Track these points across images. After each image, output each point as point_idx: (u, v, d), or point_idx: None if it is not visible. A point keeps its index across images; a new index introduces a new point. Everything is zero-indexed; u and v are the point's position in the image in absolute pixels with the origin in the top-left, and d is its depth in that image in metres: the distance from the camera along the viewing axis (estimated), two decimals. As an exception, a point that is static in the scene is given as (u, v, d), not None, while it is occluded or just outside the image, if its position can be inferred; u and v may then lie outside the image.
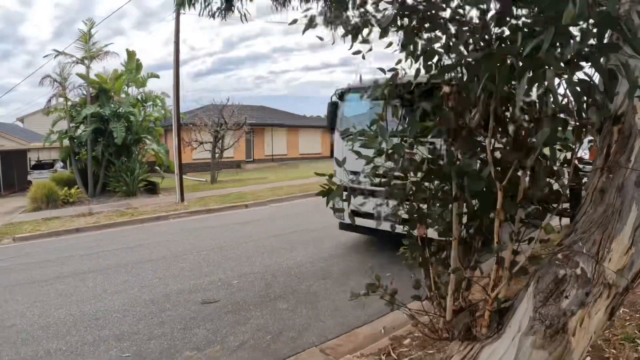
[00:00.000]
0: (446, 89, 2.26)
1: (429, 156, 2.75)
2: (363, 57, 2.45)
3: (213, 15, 6.68)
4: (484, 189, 2.27)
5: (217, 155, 20.23)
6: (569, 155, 2.19)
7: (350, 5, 2.42)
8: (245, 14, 6.73)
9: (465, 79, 2.13)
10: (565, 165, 2.19)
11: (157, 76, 17.22)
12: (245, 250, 8.23)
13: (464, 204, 2.57)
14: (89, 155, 15.41)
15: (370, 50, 2.37)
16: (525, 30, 1.71)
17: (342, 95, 7.86)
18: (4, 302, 5.92)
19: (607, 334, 3.68)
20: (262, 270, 6.93)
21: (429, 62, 2.23)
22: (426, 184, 2.91)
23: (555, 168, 2.15)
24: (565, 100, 1.90)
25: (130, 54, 16.41)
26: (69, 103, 16.08)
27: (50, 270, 7.35)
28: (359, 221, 6.86)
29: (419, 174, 2.82)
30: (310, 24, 2.27)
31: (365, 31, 2.18)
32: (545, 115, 1.93)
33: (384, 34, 2.09)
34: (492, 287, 2.38)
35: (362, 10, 2.15)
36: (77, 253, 8.46)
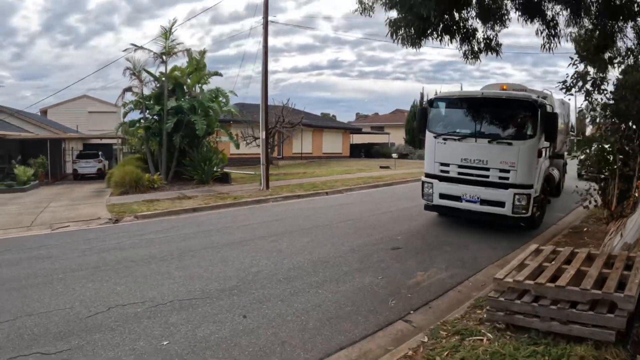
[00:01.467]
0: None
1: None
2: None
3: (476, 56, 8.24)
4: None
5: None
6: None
7: None
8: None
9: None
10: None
11: (220, 74, 18.25)
12: (372, 221, 9.64)
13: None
14: (164, 145, 16.28)
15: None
16: None
17: (431, 102, 9.37)
18: (221, 260, 7.01)
19: None
20: (405, 231, 8.58)
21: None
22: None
23: None
24: None
25: (201, 53, 17.43)
26: (136, 96, 16.96)
27: (218, 238, 8.36)
28: (447, 202, 8.78)
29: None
30: None
31: None
32: None
33: None
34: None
35: None
36: (225, 226, 9.45)
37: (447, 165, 8.73)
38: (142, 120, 16.91)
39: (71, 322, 4.34)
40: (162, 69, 17.00)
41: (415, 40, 7.65)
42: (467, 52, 8.38)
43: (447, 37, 7.95)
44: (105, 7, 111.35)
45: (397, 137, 41.79)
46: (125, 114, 17.35)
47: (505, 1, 8.00)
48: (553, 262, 4.43)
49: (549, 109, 8.52)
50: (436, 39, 7.82)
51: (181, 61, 18.20)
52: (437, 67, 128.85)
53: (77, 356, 3.69)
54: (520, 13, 7.88)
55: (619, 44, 8.58)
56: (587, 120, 12.27)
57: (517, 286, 3.97)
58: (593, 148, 8.25)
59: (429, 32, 7.59)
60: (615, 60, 8.58)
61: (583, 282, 3.80)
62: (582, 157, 9.40)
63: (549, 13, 8.00)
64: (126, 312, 4.59)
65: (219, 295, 5.10)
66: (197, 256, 6.85)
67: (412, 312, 4.68)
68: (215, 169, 16.38)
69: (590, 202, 7.98)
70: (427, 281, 5.61)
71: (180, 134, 15.93)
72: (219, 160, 16.83)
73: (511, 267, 4.38)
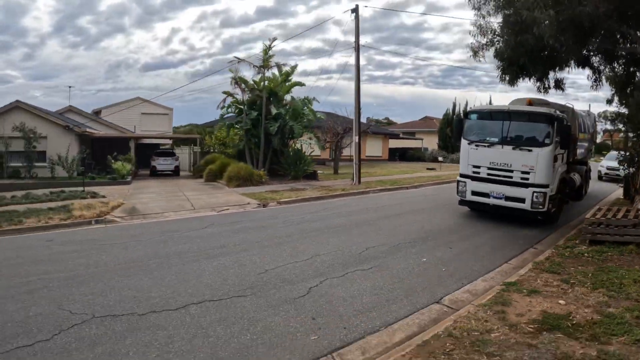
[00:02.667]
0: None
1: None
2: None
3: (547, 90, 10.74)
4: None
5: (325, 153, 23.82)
6: None
7: None
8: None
9: None
10: None
11: (303, 84, 20.89)
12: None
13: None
14: (262, 145, 18.95)
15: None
16: None
17: (466, 114, 11.36)
18: (394, 226, 9.58)
19: None
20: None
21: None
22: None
23: None
24: None
25: (293, 67, 20.15)
26: (233, 102, 19.62)
27: (368, 216, 10.96)
28: (477, 198, 10.45)
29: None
30: None
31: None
32: None
33: None
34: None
35: None
36: (360, 209, 12.02)
37: (478, 167, 10.34)
38: (238, 124, 19.57)
39: (347, 257, 6.92)
40: (254, 77, 19.73)
41: (512, 81, 10.33)
42: (539, 87, 10.87)
43: (527, 78, 10.53)
44: (116, 8, 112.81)
45: (427, 142, 44.29)
46: (221, 116, 20.05)
47: (570, 61, 10.43)
48: (610, 211, 7.98)
49: (564, 121, 9.85)
50: (522, 79, 10.52)
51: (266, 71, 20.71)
52: (446, 73, 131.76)
53: (384, 267, 6.31)
54: (577, 64, 10.32)
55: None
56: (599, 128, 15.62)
57: (596, 220, 7.52)
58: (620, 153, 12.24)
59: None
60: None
61: (627, 217, 7.41)
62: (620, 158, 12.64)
63: (595, 64, 10.50)
64: (377, 250, 7.34)
65: (413, 243, 7.84)
66: (372, 225, 9.45)
67: (536, 245, 7.81)
68: (306, 167, 18.98)
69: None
70: (530, 233, 8.81)
71: (279, 136, 18.57)
72: (310, 159, 19.44)
73: (592, 213, 7.92)
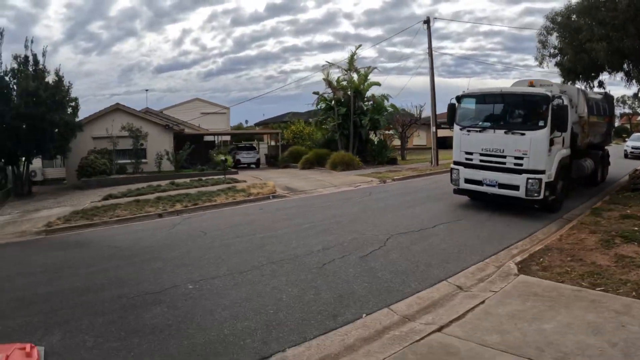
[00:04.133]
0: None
1: None
2: None
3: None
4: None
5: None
6: None
7: None
8: None
9: None
10: None
11: (379, 84, 24.41)
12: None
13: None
14: (351, 136, 22.65)
15: None
16: None
17: (458, 99, 10.59)
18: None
19: None
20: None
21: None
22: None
23: None
24: None
25: (371, 68, 23.76)
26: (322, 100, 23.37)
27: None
28: (470, 186, 10.20)
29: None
30: None
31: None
32: None
33: None
34: None
35: None
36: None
37: (471, 154, 9.92)
38: (328, 119, 23.39)
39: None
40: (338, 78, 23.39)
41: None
42: (586, 87, 14.20)
43: (577, 80, 13.92)
44: (126, 12, 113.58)
45: (463, 130, 47.25)
46: (314, 113, 23.87)
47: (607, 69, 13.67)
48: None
49: (560, 102, 9.04)
50: (575, 82, 13.84)
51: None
52: (459, 62, 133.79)
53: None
54: (615, 71, 13.73)
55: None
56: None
57: (636, 175, 11.56)
58: None
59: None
60: None
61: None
62: None
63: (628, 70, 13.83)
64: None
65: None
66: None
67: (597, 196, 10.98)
68: (389, 154, 22.67)
69: None
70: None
71: (367, 128, 22.26)
72: (391, 147, 23.14)
73: (632, 171, 12.22)
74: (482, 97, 10.35)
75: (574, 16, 12.89)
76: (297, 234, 8.43)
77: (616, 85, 53.65)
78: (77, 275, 6.80)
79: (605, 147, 14.50)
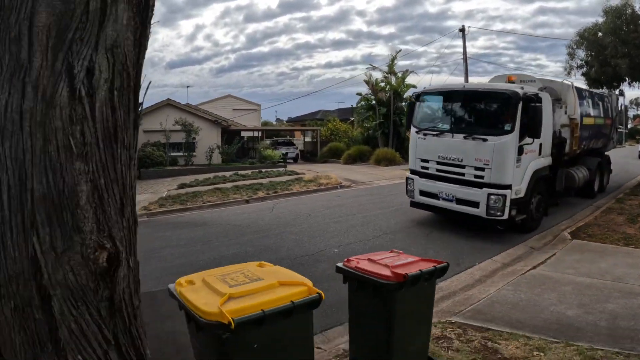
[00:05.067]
0: None
1: None
2: None
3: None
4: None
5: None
6: None
7: None
8: None
9: None
10: None
11: (415, 86, 26.72)
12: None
13: None
14: (391, 134, 25.11)
15: None
16: None
17: (417, 96, 9.31)
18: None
19: None
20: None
21: None
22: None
23: None
24: None
25: (407, 72, 26.14)
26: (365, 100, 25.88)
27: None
28: (426, 200, 8.77)
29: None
30: None
31: None
32: None
33: None
34: None
35: None
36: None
37: (427, 161, 8.64)
38: (370, 117, 25.92)
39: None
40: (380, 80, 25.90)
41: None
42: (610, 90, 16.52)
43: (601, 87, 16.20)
44: None
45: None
46: (357, 112, 26.47)
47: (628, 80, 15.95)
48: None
49: (534, 102, 7.55)
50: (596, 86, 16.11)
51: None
52: (471, 60, 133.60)
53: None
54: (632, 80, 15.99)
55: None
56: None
57: None
58: None
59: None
60: None
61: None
62: None
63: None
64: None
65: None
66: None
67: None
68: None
69: None
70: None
71: (405, 127, 24.68)
72: (427, 143, 25.60)
73: None
74: (443, 95, 9.08)
75: (600, 33, 15.24)
76: (391, 214, 10.70)
77: (636, 89, 56.08)
78: (227, 245, 8.04)
79: (606, 153, 13.27)
